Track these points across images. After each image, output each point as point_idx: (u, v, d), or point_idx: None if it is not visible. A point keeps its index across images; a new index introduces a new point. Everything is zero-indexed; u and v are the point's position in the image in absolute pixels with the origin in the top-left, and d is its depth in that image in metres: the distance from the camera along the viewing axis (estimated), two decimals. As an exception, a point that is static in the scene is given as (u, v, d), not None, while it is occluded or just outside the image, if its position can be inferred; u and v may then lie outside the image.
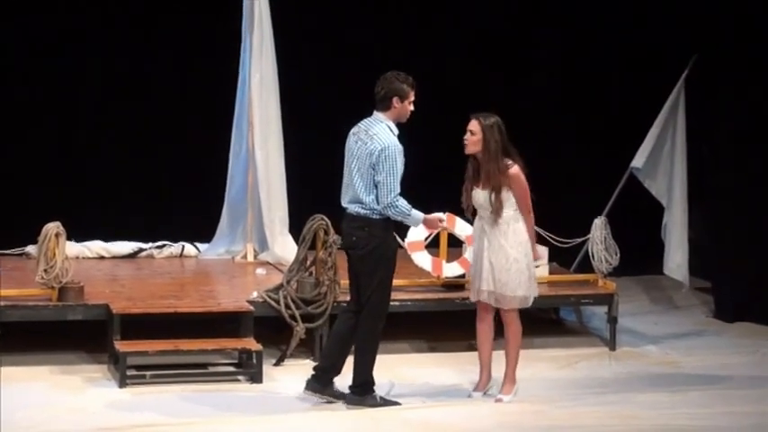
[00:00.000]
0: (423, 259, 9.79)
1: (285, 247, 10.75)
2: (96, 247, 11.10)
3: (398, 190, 8.04)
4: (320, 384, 8.31)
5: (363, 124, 8.20)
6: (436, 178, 10.44)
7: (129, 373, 8.64)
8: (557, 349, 9.79)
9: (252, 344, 8.93)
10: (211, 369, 8.94)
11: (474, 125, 8.30)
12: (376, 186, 8.04)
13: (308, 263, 9.45)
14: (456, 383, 8.82)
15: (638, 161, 10.76)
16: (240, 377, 8.90)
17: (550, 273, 10.28)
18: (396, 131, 8.15)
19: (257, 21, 10.80)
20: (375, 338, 8.24)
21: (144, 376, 8.67)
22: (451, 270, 9.86)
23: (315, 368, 8.39)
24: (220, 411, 8.15)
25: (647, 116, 10.92)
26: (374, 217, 8.08)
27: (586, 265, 10.33)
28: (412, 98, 8.16)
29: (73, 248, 10.60)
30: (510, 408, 8.29)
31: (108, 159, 11.58)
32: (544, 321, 10.54)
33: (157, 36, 11.64)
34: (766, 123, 10.73)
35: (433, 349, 9.83)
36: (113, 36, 11.55)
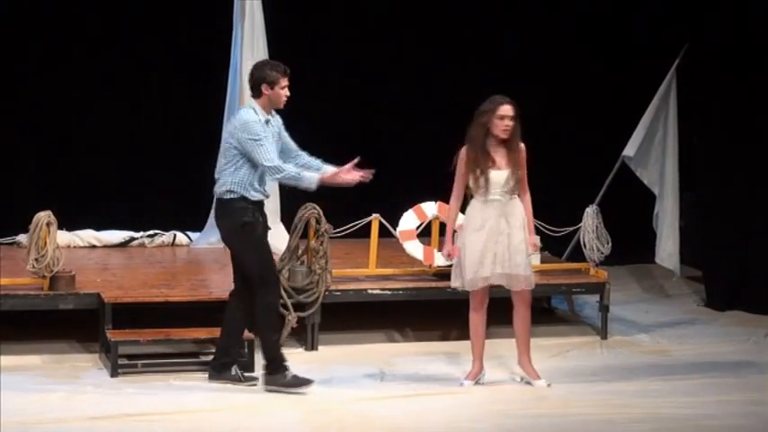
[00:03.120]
0: (414, 248, 9.79)
1: (277, 236, 10.69)
2: (87, 236, 11.09)
3: (274, 155, 8.12)
4: (216, 371, 8.46)
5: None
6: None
7: (121, 362, 8.64)
8: (548, 338, 9.80)
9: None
10: (203, 358, 8.94)
11: (514, 110, 8.34)
12: (250, 162, 8.12)
13: (300, 252, 9.44)
14: (446, 372, 8.82)
15: (629, 150, 10.77)
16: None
17: (542, 261, 10.28)
18: (262, 116, 8.22)
19: (248, 8, 10.78)
20: (270, 313, 8.33)
21: (135, 365, 8.67)
22: (443, 259, 9.85)
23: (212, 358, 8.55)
24: (212, 401, 8.14)
25: (638, 105, 10.93)
26: (227, 197, 8.23)
27: (578, 254, 10.33)
28: (284, 84, 8.26)
29: (64, 237, 10.59)
30: (500, 396, 8.30)
31: (99, 148, 11.56)
32: (535, 310, 10.48)
33: (148, 25, 11.61)
34: (757, 112, 10.74)
35: (422, 338, 9.83)
36: (103, 24, 11.52)
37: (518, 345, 8.52)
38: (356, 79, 12.03)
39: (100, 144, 11.56)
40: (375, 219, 9.76)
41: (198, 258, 10.82)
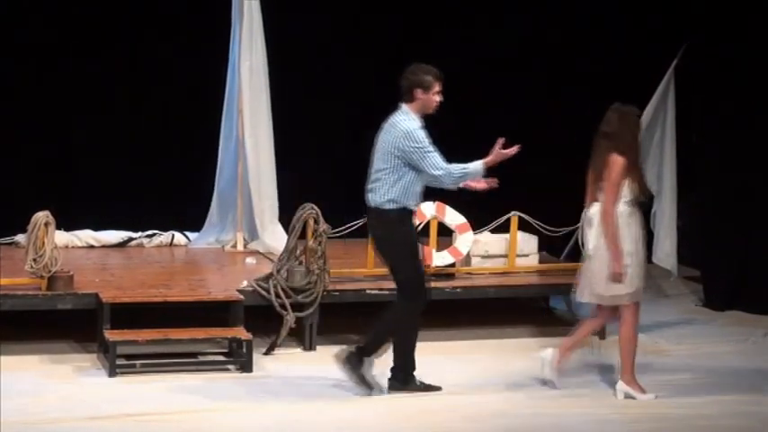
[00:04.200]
0: (412, 248, 9.77)
1: (275, 236, 10.75)
2: (86, 236, 11.08)
3: (441, 161, 8.06)
4: (399, 382, 8.34)
5: (390, 117, 8.25)
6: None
7: (119, 362, 8.64)
8: (547, 338, 9.79)
9: (242, 333, 8.92)
10: (201, 358, 8.95)
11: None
12: (413, 170, 8.06)
13: (298, 252, 9.44)
14: (444, 372, 8.82)
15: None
16: (230, 366, 8.90)
17: (540, 262, 10.29)
18: (419, 122, 8.17)
19: (247, 8, 10.78)
20: (408, 322, 8.25)
21: (134, 365, 8.67)
22: (442, 259, 9.87)
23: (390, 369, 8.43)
24: (210, 400, 8.15)
25: (636, 105, 10.90)
26: (386, 207, 8.13)
27: (576, 254, 10.32)
28: (437, 89, 8.19)
29: (62, 237, 10.58)
30: (495, 396, 8.30)
31: (98, 148, 11.55)
32: (534, 310, 10.55)
33: (147, 25, 11.60)
34: (755, 112, 10.74)
35: (420, 338, 9.81)
36: (103, 23, 11.51)
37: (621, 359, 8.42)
38: (355, 78, 12.01)
39: (98, 144, 11.55)
40: (373, 219, 9.75)
41: (196, 258, 10.82)
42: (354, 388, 8.37)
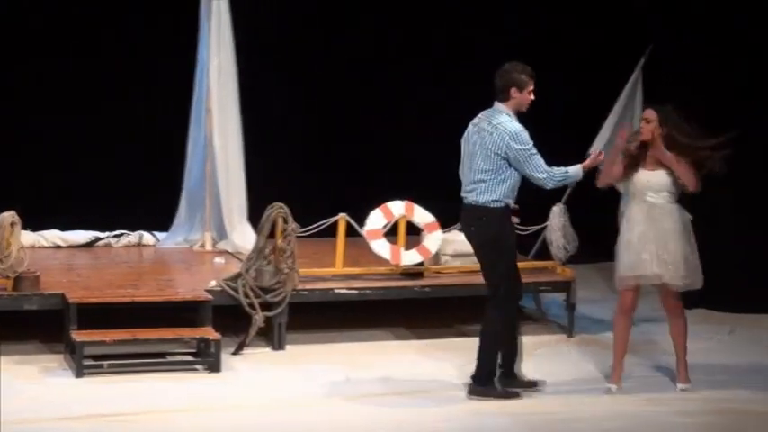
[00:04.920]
0: (381, 247, 9.78)
1: (244, 236, 10.73)
2: (52, 236, 11.03)
3: (542, 162, 8.13)
4: (506, 378, 8.36)
5: (484, 115, 8.25)
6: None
7: (86, 362, 8.59)
8: (515, 337, 9.81)
9: (210, 333, 8.89)
10: (169, 358, 8.91)
11: (650, 114, 8.46)
12: (516, 171, 8.11)
13: (267, 251, 9.42)
14: (413, 370, 8.82)
15: (595, 148, 10.78)
16: (198, 366, 8.87)
17: (509, 260, 10.30)
18: (515, 120, 8.20)
19: (215, 7, 10.75)
20: (495, 328, 8.21)
21: (101, 366, 8.63)
22: (410, 258, 9.86)
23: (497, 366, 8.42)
24: (178, 401, 8.12)
25: (604, 104, 10.96)
26: (492, 206, 8.13)
27: (545, 253, 10.36)
28: (531, 87, 8.21)
29: (28, 238, 10.52)
30: (465, 398, 8.30)
31: (65, 148, 11.49)
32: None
33: (114, 24, 11.55)
34: (720, 111, 10.78)
35: (389, 337, 9.83)
36: (68, 23, 11.46)
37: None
38: (324, 78, 12.01)
39: (65, 144, 11.49)
40: (342, 218, 9.75)
41: (164, 258, 10.78)
42: (323, 387, 8.38)
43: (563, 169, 8.22)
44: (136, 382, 8.47)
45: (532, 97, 8.24)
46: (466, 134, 8.28)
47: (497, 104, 8.23)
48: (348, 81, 12.12)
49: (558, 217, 10.03)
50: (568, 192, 10.88)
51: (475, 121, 8.27)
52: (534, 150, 8.13)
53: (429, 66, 12.15)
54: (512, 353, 8.39)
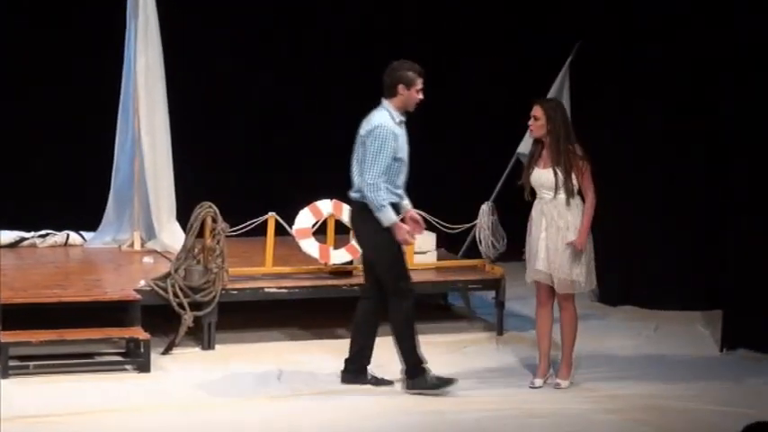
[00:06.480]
0: (310, 246, 9.77)
1: (173, 235, 10.66)
2: (-24, 237, 10.87)
3: (381, 171, 8.01)
4: (351, 374, 8.38)
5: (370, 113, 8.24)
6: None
7: (12, 363, 8.49)
8: (445, 335, 9.85)
9: (139, 333, 8.83)
10: (98, 359, 8.84)
11: (537, 110, 8.42)
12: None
13: (196, 251, 9.37)
14: (338, 370, 8.82)
15: (523, 147, 10.83)
16: (127, 366, 8.81)
17: (438, 259, 10.34)
18: (397, 118, 8.15)
19: (142, 4, 10.67)
20: (406, 319, 8.23)
21: (27, 366, 8.53)
22: (339, 257, 9.86)
23: (344, 360, 8.44)
24: (108, 401, 8.05)
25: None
26: (355, 197, 8.15)
27: (474, 251, 10.40)
28: (419, 86, 8.17)
29: (-48, 238, 10.37)
30: (397, 395, 8.31)
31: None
32: (432, 307, 10.60)
33: (40, 21, 11.43)
34: (641, 111, 10.90)
35: (319, 336, 9.82)
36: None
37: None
38: (252, 77, 11.97)
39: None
40: (271, 217, 9.73)
41: (92, 258, 10.68)
42: (252, 386, 8.36)
43: (388, 204, 8.04)
44: (63, 382, 8.39)
45: (421, 96, 8.22)
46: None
47: (384, 101, 8.24)
48: (277, 79, 12.08)
49: (486, 215, 10.08)
50: (497, 190, 10.95)
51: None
52: (383, 156, 8.01)
53: (357, 66, 12.15)
54: (368, 347, 8.42)
